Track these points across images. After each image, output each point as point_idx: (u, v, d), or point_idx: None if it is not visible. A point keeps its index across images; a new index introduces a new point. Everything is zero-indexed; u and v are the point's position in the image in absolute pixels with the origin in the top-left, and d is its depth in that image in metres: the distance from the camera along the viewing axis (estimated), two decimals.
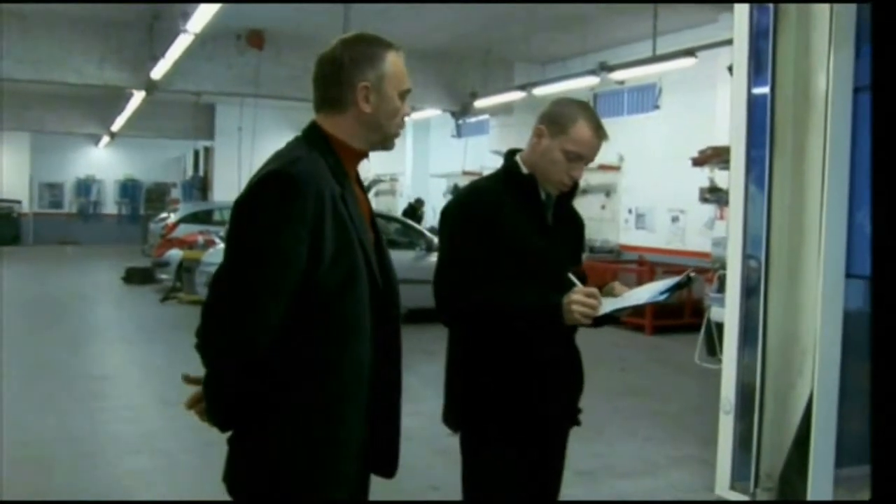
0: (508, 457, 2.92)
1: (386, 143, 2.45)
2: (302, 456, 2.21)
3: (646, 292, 2.87)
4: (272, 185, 2.18)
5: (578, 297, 2.68)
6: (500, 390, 2.90)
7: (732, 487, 5.16)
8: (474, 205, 2.93)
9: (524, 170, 2.95)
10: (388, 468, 2.45)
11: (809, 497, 4.58)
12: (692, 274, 2.90)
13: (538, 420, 2.94)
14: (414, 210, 19.69)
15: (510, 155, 3.03)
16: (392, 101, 2.37)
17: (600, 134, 2.89)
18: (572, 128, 2.86)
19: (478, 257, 2.82)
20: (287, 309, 2.16)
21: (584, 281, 2.85)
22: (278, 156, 2.30)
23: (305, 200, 2.15)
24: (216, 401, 2.25)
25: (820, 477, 4.57)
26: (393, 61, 2.37)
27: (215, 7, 10.25)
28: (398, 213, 19.34)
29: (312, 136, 2.37)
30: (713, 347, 8.95)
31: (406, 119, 2.49)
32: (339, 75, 2.34)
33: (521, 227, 2.88)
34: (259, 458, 2.23)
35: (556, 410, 2.97)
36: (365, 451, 2.34)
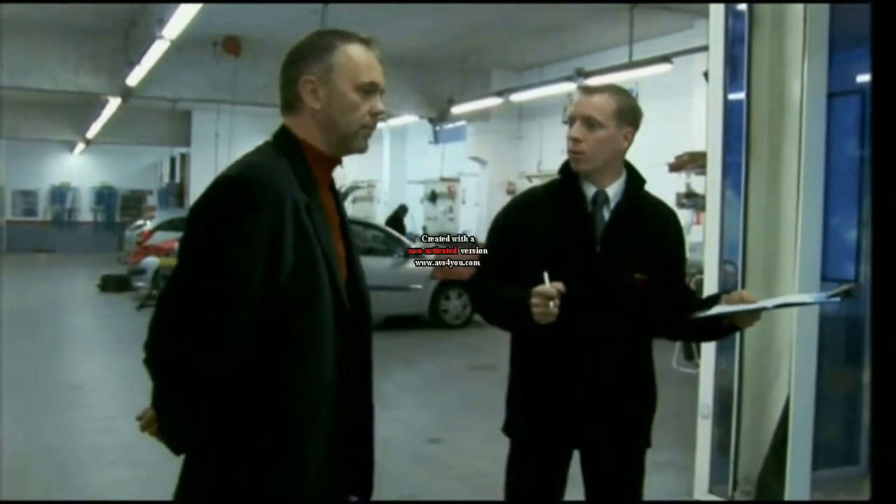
0: (517, 465, 3.01)
1: (348, 143, 2.23)
2: (262, 478, 2.08)
3: (783, 300, 3.00)
4: (226, 192, 2.06)
5: (534, 300, 2.68)
6: (512, 394, 3.04)
7: (711, 491, 5.17)
8: (507, 210, 3.09)
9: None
10: (363, 491, 2.32)
11: (787, 499, 4.61)
12: (850, 287, 2.79)
13: (539, 429, 2.95)
14: (397, 218, 19.45)
15: None
16: (345, 95, 2.18)
17: (581, 90, 3.03)
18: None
19: (499, 256, 2.98)
20: (249, 325, 2.02)
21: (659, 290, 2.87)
22: (240, 160, 2.19)
23: (261, 209, 2.01)
24: (173, 422, 2.12)
25: (797, 479, 4.60)
26: (347, 52, 2.20)
27: (191, 13, 10.21)
28: (376, 219, 19.26)
29: (281, 141, 2.23)
30: (690, 352, 8.99)
31: (380, 120, 2.29)
32: (287, 73, 2.22)
33: (554, 230, 2.90)
34: (216, 481, 2.09)
35: (551, 422, 2.92)
36: (333, 473, 2.19)
